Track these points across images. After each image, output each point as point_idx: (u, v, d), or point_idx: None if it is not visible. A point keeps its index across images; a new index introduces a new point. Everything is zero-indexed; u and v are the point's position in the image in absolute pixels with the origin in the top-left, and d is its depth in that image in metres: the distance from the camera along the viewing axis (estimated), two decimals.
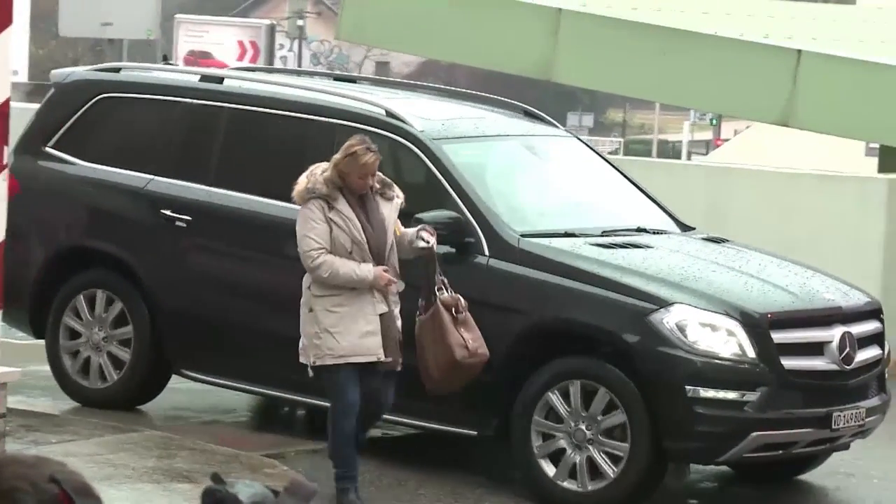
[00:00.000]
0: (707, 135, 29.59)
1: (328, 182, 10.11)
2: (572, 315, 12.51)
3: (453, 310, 10.72)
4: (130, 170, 13.44)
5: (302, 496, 3.69)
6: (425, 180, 13.31)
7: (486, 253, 12.40)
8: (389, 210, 10.50)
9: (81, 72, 15.08)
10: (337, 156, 10.33)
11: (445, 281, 10.94)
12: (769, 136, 22.59)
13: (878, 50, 20.53)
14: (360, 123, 12.97)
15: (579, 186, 14.67)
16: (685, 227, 14.20)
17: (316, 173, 10.21)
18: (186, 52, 43.73)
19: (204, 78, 14.28)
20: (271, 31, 44.30)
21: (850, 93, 18.98)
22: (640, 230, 13.74)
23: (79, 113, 13.79)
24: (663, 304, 12.22)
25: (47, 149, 13.75)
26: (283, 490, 3.69)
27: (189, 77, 14.64)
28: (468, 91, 16.68)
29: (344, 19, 24.69)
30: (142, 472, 11.36)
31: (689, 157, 29.08)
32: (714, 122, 31.03)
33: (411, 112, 13.17)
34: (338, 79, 15.21)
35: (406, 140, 13.05)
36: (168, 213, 13.08)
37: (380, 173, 10.41)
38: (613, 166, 14.77)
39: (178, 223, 12.99)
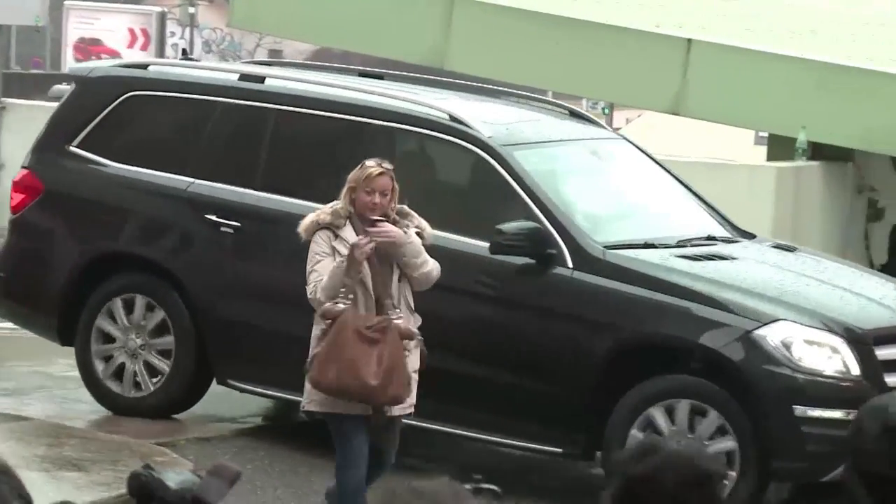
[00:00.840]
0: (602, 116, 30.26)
1: (335, 212, 9.49)
2: (670, 331, 12.26)
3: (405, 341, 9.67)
4: (166, 172, 13.01)
5: (225, 478, 3.75)
6: (496, 188, 12.96)
7: (570, 265, 12.12)
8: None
9: (106, 67, 14.60)
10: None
11: (410, 302, 9.88)
12: (661, 124, 22.79)
13: (766, 39, 20.66)
14: (421, 128, 12.87)
15: (641, 192, 14.34)
16: (746, 234, 14.05)
17: (325, 208, 9.69)
18: (76, 40, 43.45)
19: (244, 77, 13.77)
20: (162, 18, 44.24)
21: (740, 82, 19.25)
22: (710, 238, 13.53)
23: (106, 111, 13.25)
24: (766, 320, 11.99)
25: (72, 148, 13.25)
26: (207, 473, 3.74)
27: (227, 76, 14.16)
28: (506, 90, 15.74)
29: (236, 7, 24.65)
30: (30, 460, 11.15)
31: None
32: (606, 110, 31.15)
33: (474, 116, 12.76)
34: (363, 75, 14.62)
35: (474, 146, 12.72)
36: (214, 217, 12.69)
37: (403, 206, 9.62)
38: (664, 168, 14.51)
39: (223, 228, 12.64)
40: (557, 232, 12.07)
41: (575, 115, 14.35)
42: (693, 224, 13.79)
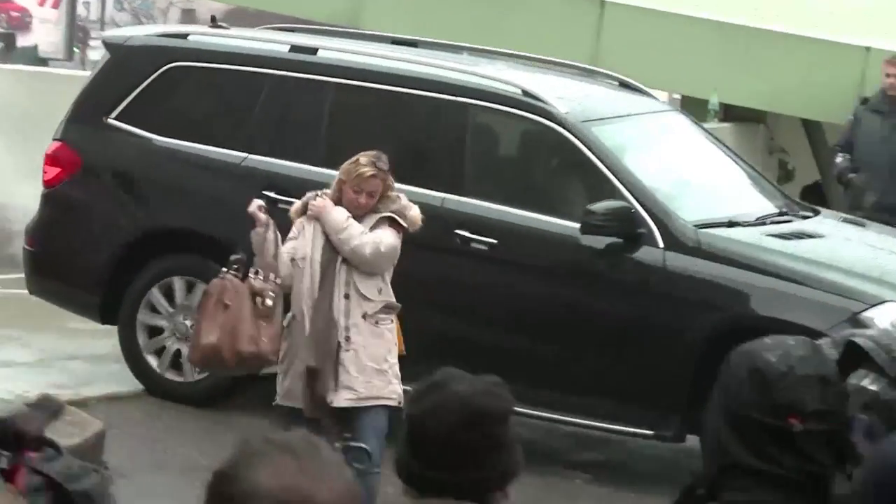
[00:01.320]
0: None
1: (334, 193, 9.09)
2: (771, 313, 11.83)
3: (258, 298, 9.39)
4: (216, 146, 12.68)
5: (47, 409, 3.84)
6: (577, 166, 12.85)
7: (661, 245, 11.95)
8: (367, 220, 9.09)
9: (143, 37, 14.19)
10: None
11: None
12: None
13: (679, 2, 20.82)
14: (494, 103, 12.54)
15: (707, 167, 14.07)
16: (810, 208, 14.00)
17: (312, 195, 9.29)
18: None
19: (294, 48, 13.22)
20: None
21: (653, 44, 19.36)
22: (782, 214, 13.38)
23: (146, 82, 12.85)
24: (873, 301, 11.83)
25: (110, 120, 12.82)
26: (29, 405, 3.85)
27: (276, 47, 13.59)
28: (555, 60, 15.19)
29: None
30: None
31: None
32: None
33: (547, 90, 12.42)
34: (396, 42, 14.31)
35: (552, 122, 12.40)
36: (272, 194, 11.99)
37: (391, 193, 9.14)
38: (719, 141, 14.47)
39: (282, 205, 11.69)
40: (646, 211, 11.94)
41: (625, 85, 14.02)
42: (760, 199, 13.72)
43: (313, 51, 12.99)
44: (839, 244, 13.01)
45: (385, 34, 15.09)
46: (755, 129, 19.73)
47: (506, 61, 14.25)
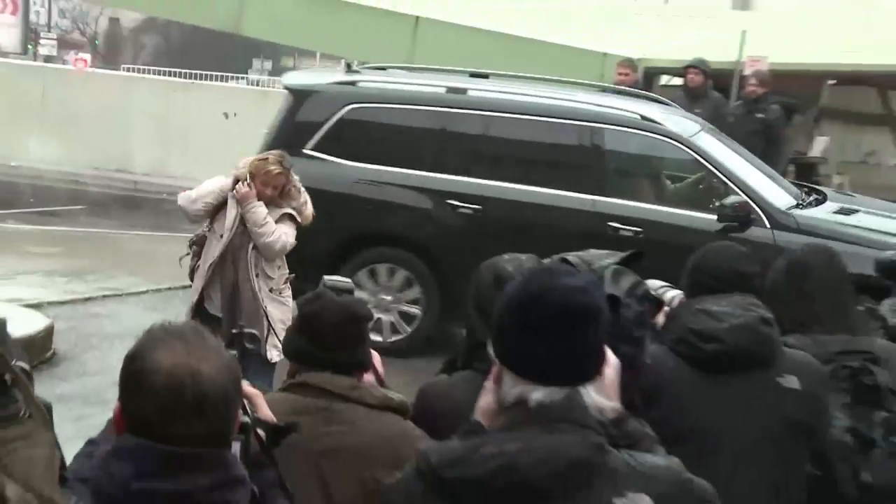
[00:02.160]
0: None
1: (243, 175, 8.89)
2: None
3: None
4: (395, 167, 13.38)
5: None
6: (692, 170, 13.93)
7: (768, 226, 12.98)
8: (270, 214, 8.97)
9: (323, 84, 14.39)
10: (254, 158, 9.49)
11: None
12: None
13: (479, 18, 22.33)
14: (622, 126, 13.65)
15: (752, 163, 14.76)
16: (816, 190, 15.20)
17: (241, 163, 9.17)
18: None
19: (450, 90, 13.99)
20: None
21: (457, 52, 20.20)
22: (818, 195, 14.64)
23: (331, 121, 13.47)
24: None
25: (307, 151, 13.34)
26: None
27: (434, 89, 14.17)
28: (618, 87, 16.35)
29: None
30: None
31: None
32: (359, 65, 32.82)
33: (655, 114, 13.75)
34: (473, 75, 15.03)
35: (669, 138, 13.55)
36: (454, 202, 13.23)
37: (294, 188, 9.25)
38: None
39: (461, 210, 13.16)
40: (752, 201, 13.01)
41: (654, 100, 15.08)
42: (789, 187, 14.67)
43: (463, 91, 13.96)
44: (875, 215, 14.13)
45: (464, 69, 15.59)
46: None
47: (583, 90, 15.32)
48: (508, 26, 20.95)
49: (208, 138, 18.65)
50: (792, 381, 4.61)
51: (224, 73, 28.39)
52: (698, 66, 17.60)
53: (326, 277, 4.49)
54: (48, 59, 35.55)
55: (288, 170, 8.84)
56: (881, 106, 23.66)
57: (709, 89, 17.33)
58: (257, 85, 29.85)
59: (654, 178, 14.47)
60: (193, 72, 26.25)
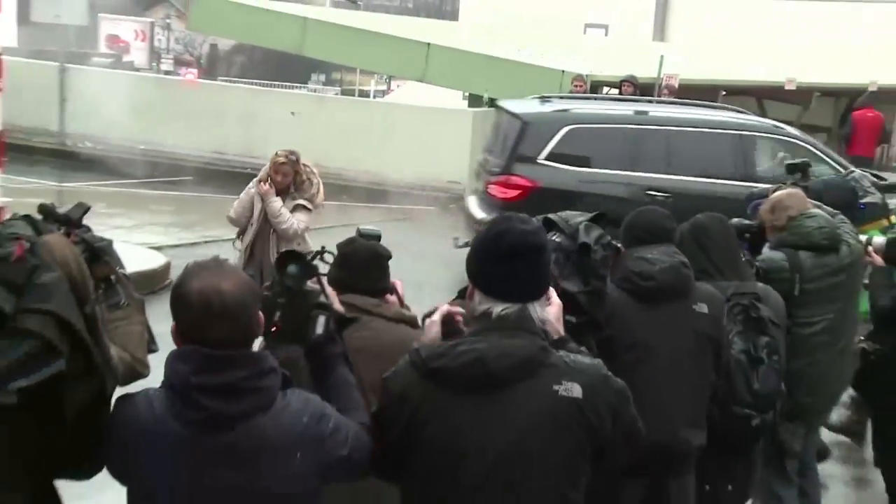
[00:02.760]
0: (384, 86, 30.77)
1: (261, 178, 8.27)
2: None
3: None
4: (609, 169, 12.99)
5: (83, 208, 3.30)
6: (815, 161, 12.43)
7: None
8: (286, 205, 8.22)
9: (544, 113, 13.86)
10: None
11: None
12: (416, 87, 24.25)
13: (471, 43, 21.65)
14: (762, 132, 13.97)
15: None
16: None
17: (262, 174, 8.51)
18: (106, 35, 43.18)
19: (637, 112, 14.01)
20: (152, 25, 45.65)
21: (457, 69, 20.20)
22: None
23: (556, 138, 12.95)
24: None
25: (540, 161, 12.90)
26: (73, 207, 3.27)
27: (624, 112, 14.20)
28: (718, 103, 16.26)
29: (192, 19, 26.36)
30: None
31: (374, 97, 30.28)
32: (387, 79, 31.67)
33: (780, 123, 14.29)
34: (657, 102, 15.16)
35: (795, 140, 13.69)
36: (651, 192, 12.76)
37: (307, 181, 8.34)
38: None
39: (656, 198, 12.47)
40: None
41: (734, 110, 14.80)
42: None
43: (646, 112, 14.01)
44: None
45: (611, 97, 15.68)
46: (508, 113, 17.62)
47: (698, 106, 15.01)
48: (494, 51, 20.49)
49: (279, 129, 18.20)
50: (703, 308, 4.65)
51: (291, 83, 28.24)
52: (630, 80, 17.62)
53: (360, 227, 4.30)
54: (167, 73, 35.43)
55: (293, 161, 8.14)
56: (758, 109, 23.88)
57: (637, 96, 17.19)
58: (314, 92, 29.11)
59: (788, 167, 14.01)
60: (269, 82, 26.12)
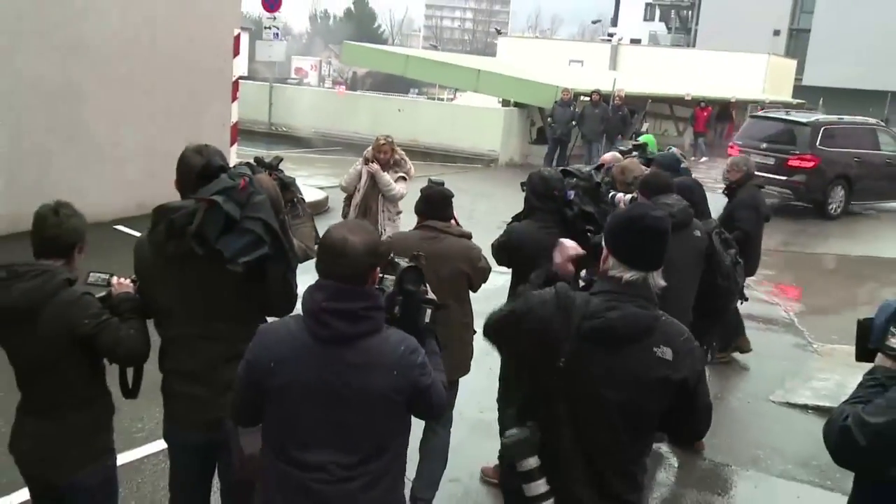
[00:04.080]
0: (452, 95, 29.97)
1: (365, 157, 6.22)
2: None
3: None
4: (853, 149, 12.14)
5: (278, 160, 3.31)
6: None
7: None
8: (390, 176, 6.21)
9: (812, 120, 12.60)
10: None
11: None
12: (471, 96, 22.22)
13: (506, 68, 20.02)
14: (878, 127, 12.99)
15: None
16: None
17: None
18: (295, 68, 41.16)
19: (822, 122, 12.62)
20: (320, 62, 44.47)
21: (497, 87, 18.52)
22: None
23: (819, 134, 12.11)
24: None
25: (817, 146, 11.91)
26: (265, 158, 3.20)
27: (852, 120, 13.05)
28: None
29: (343, 55, 24.73)
30: None
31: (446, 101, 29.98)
32: (454, 91, 31.04)
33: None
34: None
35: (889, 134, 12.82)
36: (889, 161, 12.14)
37: (402, 160, 6.31)
38: None
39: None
40: None
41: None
42: None
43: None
44: None
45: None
46: (524, 111, 17.86)
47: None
48: (515, 73, 19.12)
49: (391, 119, 17.70)
50: (698, 233, 4.27)
51: (398, 93, 27.83)
52: (598, 91, 16.71)
53: (431, 177, 3.87)
54: (328, 88, 34.88)
55: (390, 143, 6.24)
56: (669, 111, 23.31)
57: (601, 103, 16.46)
58: (412, 98, 28.56)
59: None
60: (385, 93, 25.54)
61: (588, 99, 16.68)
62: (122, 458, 3.86)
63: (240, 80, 10.17)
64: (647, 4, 52.64)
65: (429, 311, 2.48)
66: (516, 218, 4.00)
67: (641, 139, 7.71)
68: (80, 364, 2.51)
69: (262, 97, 19.86)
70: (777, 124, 12.83)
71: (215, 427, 2.52)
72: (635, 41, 37.87)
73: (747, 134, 13.11)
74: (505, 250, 3.90)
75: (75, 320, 2.45)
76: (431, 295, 2.54)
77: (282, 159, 3.29)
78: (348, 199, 6.27)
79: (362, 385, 2.18)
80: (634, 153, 6.42)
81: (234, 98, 9.96)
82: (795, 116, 13.01)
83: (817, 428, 4.96)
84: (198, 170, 2.55)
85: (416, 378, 2.24)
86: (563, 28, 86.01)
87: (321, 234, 2.30)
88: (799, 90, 35.37)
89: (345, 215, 6.13)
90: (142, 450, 4.09)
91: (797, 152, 12.16)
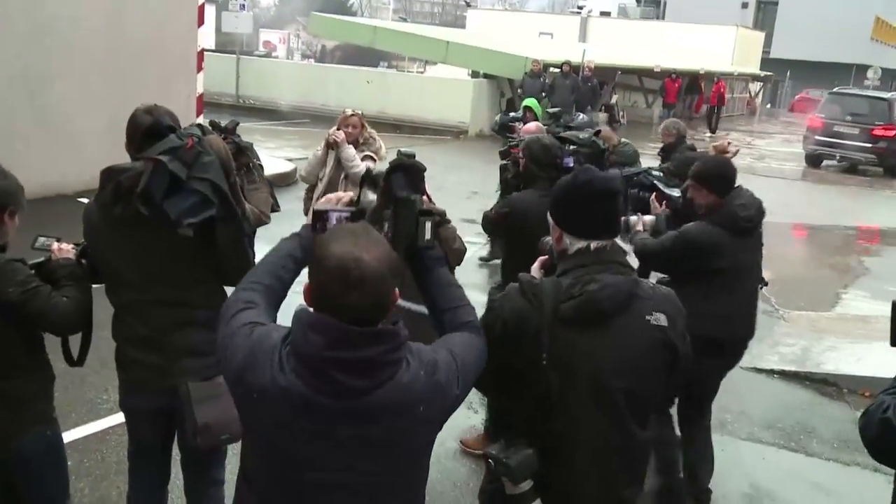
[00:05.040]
0: (422, 68, 29.11)
1: (332, 132, 5.15)
2: None
3: None
4: None
5: (234, 122, 3.20)
6: None
7: None
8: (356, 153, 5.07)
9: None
10: None
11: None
12: (441, 68, 22.66)
13: (476, 39, 20.10)
14: None
15: None
16: None
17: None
18: (263, 41, 40.36)
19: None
20: (288, 35, 43.69)
21: (464, 57, 18.62)
22: None
23: None
24: None
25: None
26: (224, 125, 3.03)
27: None
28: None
29: (311, 26, 24.38)
30: None
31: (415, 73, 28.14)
32: (424, 63, 30.19)
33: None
34: None
35: None
36: None
37: (371, 136, 5.20)
38: None
39: None
40: None
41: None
42: None
43: None
44: None
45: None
46: (493, 82, 17.64)
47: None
48: (485, 44, 18.92)
49: (361, 91, 17.75)
50: (762, 231, 3.82)
51: (367, 66, 27.41)
52: (568, 63, 16.63)
53: (401, 148, 3.22)
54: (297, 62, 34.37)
55: (359, 117, 5.20)
56: (639, 83, 23.32)
57: (572, 73, 16.43)
58: (381, 69, 28.28)
59: None
60: (354, 66, 25.19)
61: (559, 70, 16.66)
62: (87, 430, 3.87)
63: (206, 53, 10.07)
64: None
65: (429, 225, 1.92)
66: (508, 191, 3.91)
67: (526, 102, 7.50)
68: (12, 332, 2.39)
69: (229, 69, 19.60)
70: (858, 100, 15.13)
71: (172, 394, 2.46)
72: (605, 14, 37.67)
73: (829, 108, 15.27)
74: (503, 222, 3.63)
75: (1, 287, 2.33)
76: (431, 204, 2.03)
77: (238, 123, 3.16)
78: (310, 192, 5.31)
79: (379, 437, 1.66)
80: (551, 123, 6.11)
81: (199, 69, 9.81)
82: (874, 93, 15.44)
83: (783, 391, 4.99)
84: (143, 128, 2.46)
85: (444, 398, 1.73)
86: (533, 2, 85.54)
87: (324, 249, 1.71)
88: (767, 62, 35.61)
89: (306, 212, 5.22)
90: (106, 421, 4.04)
91: (881, 123, 14.12)
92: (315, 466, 1.65)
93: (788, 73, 37.29)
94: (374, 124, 5.54)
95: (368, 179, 2.09)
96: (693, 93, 22.52)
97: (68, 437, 3.57)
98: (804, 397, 5.07)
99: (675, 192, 3.89)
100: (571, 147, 3.89)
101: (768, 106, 35.33)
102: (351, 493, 1.67)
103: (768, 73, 32.92)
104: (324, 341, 1.61)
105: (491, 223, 3.70)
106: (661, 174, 4.24)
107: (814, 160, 15.74)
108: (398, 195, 1.93)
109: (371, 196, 2.00)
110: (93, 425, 3.91)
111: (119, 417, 3.84)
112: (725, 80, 23.51)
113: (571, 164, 3.67)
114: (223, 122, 3.54)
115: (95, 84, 8.92)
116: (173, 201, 2.35)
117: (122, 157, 2.55)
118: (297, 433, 1.64)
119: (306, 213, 5.26)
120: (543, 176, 3.61)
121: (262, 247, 2.25)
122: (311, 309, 1.67)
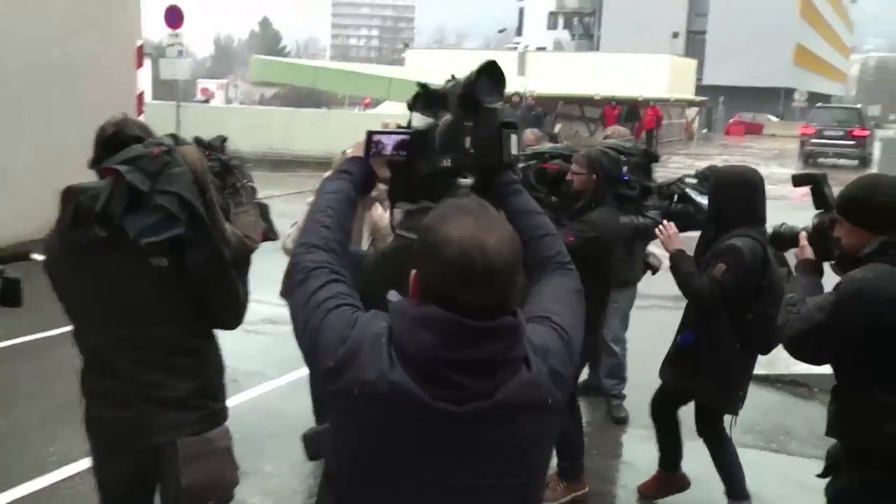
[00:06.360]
0: (360, 111, 29.56)
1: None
2: None
3: None
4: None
5: (220, 139, 2.88)
6: None
7: None
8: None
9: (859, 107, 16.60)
10: None
11: None
12: (387, 105, 24.46)
13: (424, 76, 21.69)
14: None
15: None
16: None
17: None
18: (201, 88, 39.47)
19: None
20: (227, 84, 45.05)
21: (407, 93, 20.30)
22: None
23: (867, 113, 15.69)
24: None
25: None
26: (207, 140, 2.78)
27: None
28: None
29: (252, 72, 24.56)
30: None
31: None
32: (365, 108, 31.09)
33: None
34: None
35: None
36: None
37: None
38: None
39: None
40: None
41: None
42: None
43: None
44: None
45: None
46: None
47: None
48: (425, 80, 19.40)
49: (303, 131, 17.77)
50: None
51: (310, 108, 27.32)
52: (517, 93, 17.47)
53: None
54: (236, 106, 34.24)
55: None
56: (580, 111, 23.86)
57: (518, 103, 17.10)
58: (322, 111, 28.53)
59: None
60: (295, 108, 25.00)
61: (507, 102, 17.55)
62: (34, 486, 3.62)
63: (145, 101, 10.06)
64: (551, 13, 54.02)
65: (514, 139, 1.59)
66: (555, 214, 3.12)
67: None
68: None
69: (168, 117, 20.00)
70: (839, 111, 21.18)
71: (151, 455, 2.13)
72: (541, 49, 38.59)
73: (818, 117, 20.61)
74: (589, 247, 3.17)
75: None
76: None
77: (226, 139, 2.80)
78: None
79: (508, 439, 1.40)
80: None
81: (139, 112, 9.64)
82: (849, 105, 20.18)
83: (757, 395, 4.83)
84: (105, 137, 2.18)
85: (565, 381, 1.46)
86: (468, 42, 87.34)
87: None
88: (700, 89, 36.93)
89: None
90: (55, 474, 3.80)
91: (858, 126, 19.54)
92: (427, 475, 1.39)
93: (721, 99, 38.59)
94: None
95: (422, 99, 1.70)
96: (633, 119, 23.12)
97: (13, 494, 3.35)
98: (777, 399, 5.09)
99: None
100: (623, 157, 3.66)
101: (704, 130, 36.41)
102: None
103: (703, 98, 33.99)
104: (437, 340, 1.33)
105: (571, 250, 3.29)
106: (696, 181, 3.89)
107: (810, 158, 20.45)
108: (484, 105, 1.58)
109: (421, 119, 1.67)
110: (40, 480, 3.68)
111: (69, 470, 3.72)
112: (661, 107, 24.30)
113: (627, 177, 3.58)
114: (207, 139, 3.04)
115: (27, 126, 8.60)
116: (133, 218, 2.05)
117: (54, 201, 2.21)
118: (404, 437, 1.37)
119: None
120: (611, 191, 3.37)
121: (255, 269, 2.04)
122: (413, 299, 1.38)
